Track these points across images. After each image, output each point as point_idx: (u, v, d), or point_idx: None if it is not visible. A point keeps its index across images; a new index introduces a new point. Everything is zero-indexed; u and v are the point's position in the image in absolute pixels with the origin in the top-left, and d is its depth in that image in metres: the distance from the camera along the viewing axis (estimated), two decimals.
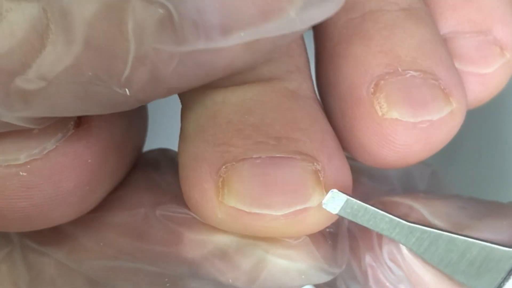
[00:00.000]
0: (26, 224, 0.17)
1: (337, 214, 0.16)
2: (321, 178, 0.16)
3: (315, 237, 0.17)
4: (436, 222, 0.17)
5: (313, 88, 0.18)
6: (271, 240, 0.17)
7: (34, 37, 0.13)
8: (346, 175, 0.16)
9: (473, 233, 0.17)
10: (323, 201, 0.15)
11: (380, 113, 0.17)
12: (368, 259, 0.18)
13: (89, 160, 0.16)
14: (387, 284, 0.18)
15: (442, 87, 0.17)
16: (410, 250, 0.17)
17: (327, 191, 0.16)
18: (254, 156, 0.15)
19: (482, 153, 0.21)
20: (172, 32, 0.13)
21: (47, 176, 0.15)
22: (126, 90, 0.14)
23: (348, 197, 0.16)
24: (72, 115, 0.15)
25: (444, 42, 0.18)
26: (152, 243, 0.17)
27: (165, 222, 0.17)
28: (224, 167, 0.15)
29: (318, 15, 0.13)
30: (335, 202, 0.16)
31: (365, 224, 0.16)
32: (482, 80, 0.19)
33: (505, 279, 0.17)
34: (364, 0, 0.17)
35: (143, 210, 0.18)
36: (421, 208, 0.18)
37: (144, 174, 0.19)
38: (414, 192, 0.18)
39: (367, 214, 0.16)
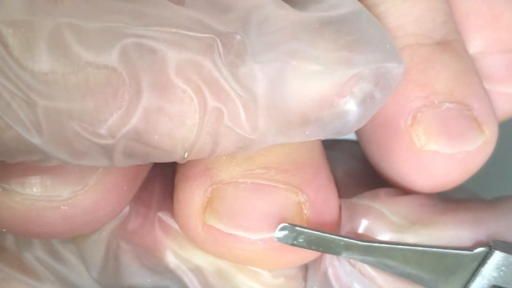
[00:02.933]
0: (55, 238, 0.18)
1: (291, 245, 0.16)
2: (304, 210, 0.17)
3: (291, 282, 0.18)
4: (395, 219, 0.18)
5: None
6: (249, 273, 0.18)
7: (109, 93, 0.13)
8: (331, 209, 0.17)
9: (437, 228, 0.18)
10: (274, 235, 0.16)
11: (418, 145, 0.17)
12: (329, 259, 0.19)
13: (125, 188, 0.17)
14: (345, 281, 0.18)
15: (476, 117, 0.18)
16: (372, 267, 0.18)
17: (308, 223, 0.17)
18: (240, 180, 0.16)
19: None
20: (246, 121, 0.14)
21: (87, 208, 0.17)
22: (186, 153, 0.14)
23: (299, 228, 0.16)
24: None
25: (476, 71, 0.18)
26: (140, 241, 0.19)
27: (159, 228, 0.19)
28: (210, 188, 0.17)
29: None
30: (287, 235, 0.16)
31: (321, 251, 0.17)
32: (510, 98, 0.20)
33: (470, 280, 0.17)
34: (401, 35, 0.18)
35: (142, 209, 0.19)
36: (381, 207, 0.18)
37: (159, 172, 0.20)
38: (374, 190, 0.19)
39: (322, 241, 0.16)
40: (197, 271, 0.18)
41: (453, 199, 0.19)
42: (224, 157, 0.17)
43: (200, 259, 0.18)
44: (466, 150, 0.18)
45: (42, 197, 0.16)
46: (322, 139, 0.17)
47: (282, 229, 0.16)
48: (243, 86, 0.14)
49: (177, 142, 0.14)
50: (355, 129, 0.15)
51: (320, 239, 0.16)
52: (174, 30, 0.14)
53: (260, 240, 0.16)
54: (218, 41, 0.14)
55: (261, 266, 0.18)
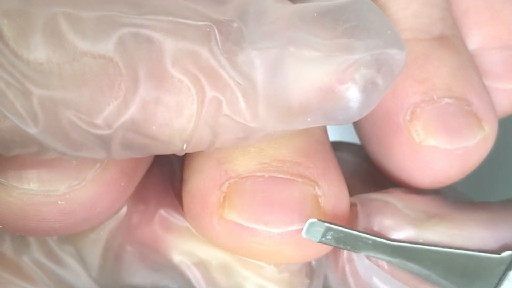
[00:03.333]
0: (52, 235, 0.18)
1: (319, 242, 0.16)
2: (321, 203, 0.17)
3: (296, 277, 0.18)
4: (411, 213, 0.18)
5: None
6: (253, 267, 0.18)
7: (106, 83, 0.13)
8: (344, 203, 0.17)
9: (455, 224, 0.17)
10: (302, 231, 0.16)
11: (417, 140, 0.17)
12: (347, 255, 0.18)
13: (123, 184, 0.17)
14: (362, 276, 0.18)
15: (475, 112, 0.18)
16: (399, 268, 0.17)
17: (325, 216, 0.16)
18: (257, 174, 0.16)
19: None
20: (245, 109, 0.14)
21: (84, 204, 0.16)
22: (184, 145, 0.14)
23: (328, 224, 0.16)
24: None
25: (475, 66, 0.18)
26: (140, 239, 0.18)
27: (160, 224, 0.19)
28: (227, 182, 0.16)
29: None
30: (315, 231, 0.16)
31: (348, 249, 0.16)
32: (508, 95, 0.20)
33: (497, 285, 0.17)
34: (399, 29, 0.18)
35: (141, 207, 0.19)
36: (396, 202, 0.18)
37: (158, 170, 0.20)
38: (388, 189, 0.19)
39: (349, 239, 0.16)
40: (200, 265, 0.18)
41: (468, 200, 0.19)
42: (236, 151, 0.17)
43: (204, 253, 0.18)
44: (465, 146, 0.18)
45: (39, 191, 0.16)
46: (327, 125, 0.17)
47: (312, 225, 0.16)
48: (242, 73, 0.14)
49: (175, 133, 0.14)
50: (359, 117, 0.15)
51: (348, 237, 0.16)
52: (170, 19, 0.14)
53: (279, 234, 0.16)
54: (215, 29, 0.14)
55: (272, 261, 0.18)
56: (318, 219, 0.16)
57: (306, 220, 0.16)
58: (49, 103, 0.13)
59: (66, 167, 0.16)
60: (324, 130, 0.18)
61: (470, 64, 0.18)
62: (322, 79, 0.14)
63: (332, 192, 0.17)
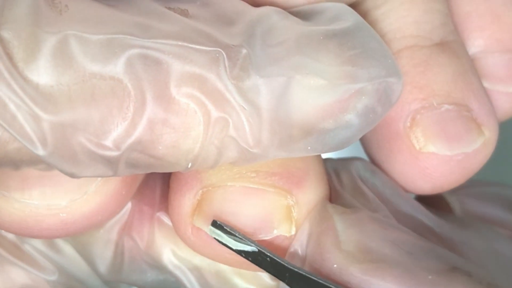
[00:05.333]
0: (54, 238, 0.19)
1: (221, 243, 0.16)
2: (293, 213, 0.17)
3: None
4: (349, 248, 0.16)
5: None
6: (246, 275, 0.19)
7: (115, 104, 0.14)
8: (322, 208, 0.17)
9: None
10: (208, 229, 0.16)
11: (417, 147, 0.18)
12: None
13: (124, 192, 0.17)
14: None
15: (475, 118, 0.18)
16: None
17: (297, 226, 0.17)
18: (229, 184, 0.17)
19: None
20: (250, 134, 0.15)
21: (86, 214, 0.17)
22: (190, 164, 0.14)
23: (226, 228, 0.16)
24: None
25: (475, 72, 0.18)
26: (139, 238, 0.19)
27: (158, 228, 0.19)
28: (200, 191, 0.17)
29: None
30: (218, 233, 0.16)
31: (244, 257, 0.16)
32: (510, 98, 0.20)
33: None
34: (399, 37, 0.18)
35: (145, 208, 0.19)
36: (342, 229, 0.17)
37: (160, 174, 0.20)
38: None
39: (237, 239, 0.16)
40: (196, 271, 0.19)
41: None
42: None
43: (199, 259, 0.19)
44: (465, 152, 0.18)
45: (41, 205, 0.16)
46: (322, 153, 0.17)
47: (214, 226, 0.16)
48: (247, 99, 0.14)
49: (182, 153, 0.15)
50: (352, 143, 0.16)
51: (237, 238, 0.16)
52: (180, 43, 0.14)
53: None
54: (224, 55, 0.14)
55: (247, 269, 0.18)
56: (220, 222, 0.16)
57: (271, 231, 0.16)
58: (58, 126, 0.14)
59: (68, 181, 0.16)
60: None
61: (470, 69, 0.19)
62: (325, 106, 0.15)
63: (307, 200, 0.17)
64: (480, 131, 0.18)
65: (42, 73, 0.13)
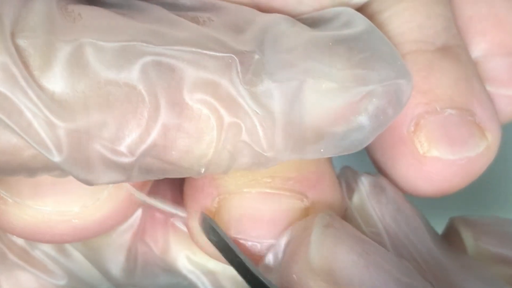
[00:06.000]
0: (64, 243, 0.19)
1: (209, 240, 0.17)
2: (310, 215, 0.17)
3: None
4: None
5: None
6: None
7: (129, 110, 0.14)
8: (336, 210, 0.18)
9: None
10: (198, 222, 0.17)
11: (421, 151, 0.18)
12: None
13: (134, 198, 0.18)
14: None
15: (478, 122, 0.18)
16: None
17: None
18: (245, 190, 0.17)
19: None
20: (263, 138, 0.15)
21: (97, 220, 0.17)
22: (203, 169, 0.15)
23: (212, 223, 0.16)
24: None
25: (478, 76, 0.19)
26: (153, 244, 0.19)
27: (173, 233, 0.19)
28: (217, 198, 0.17)
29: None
30: (206, 226, 0.17)
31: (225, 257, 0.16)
32: None
33: None
34: (403, 42, 0.18)
35: (157, 214, 0.20)
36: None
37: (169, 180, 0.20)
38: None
39: (222, 247, 0.16)
40: (211, 275, 0.19)
41: None
42: None
43: (214, 264, 0.19)
44: (468, 156, 0.18)
45: (53, 211, 0.16)
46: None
47: (204, 219, 0.17)
48: (260, 104, 0.15)
49: (195, 159, 0.15)
50: (365, 145, 0.16)
51: (222, 245, 0.16)
52: (193, 49, 0.14)
53: (266, 247, 0.17)
54: (237, 60, 0.14)
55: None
56: (207, 215, 0.16)
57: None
58: (73, 133, 0.14)
59: (80, 187, 0.16)
60: None
61: (473, 74, 0.19)
62: (337, 109, 0.15)
63: (323, 202, 0.17)
64: (483, 136, 0.18)
65: (58, 81, 0.14)
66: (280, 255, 0.17)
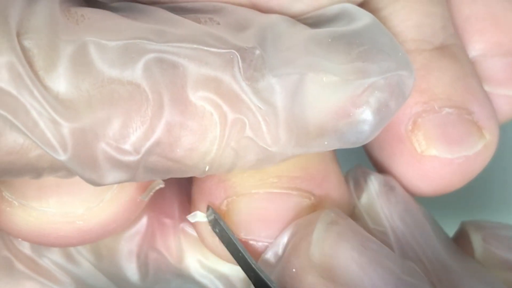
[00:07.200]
0: (69, 246, 0.19)
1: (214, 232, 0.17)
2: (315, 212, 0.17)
3: None
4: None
5: None
6: None
7: (133, 108, 0.14)
8: (344, 208, 0.18)
9: None
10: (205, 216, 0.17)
11: (419, 150, 0.18)
12: None
13: (139, 199, 0.18)
14: None
15: (476, 121, 0.18)
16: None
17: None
18: (253, 191, 0.17)
19: None
20: (267, 132, 0.15)
21: (102, 222, 0.17)
22: (207, 167, 0.15)
23: (217, 217, 0.17)
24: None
25: (476, 75, 0.19)
26: (164, 250, 0.19)
27: (184, 238, 0.19)
28: (225, 201, 0.17)
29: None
30: (211, 219, 0.17)
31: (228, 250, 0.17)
32: (510, 101, 0.20)
33: None
34: (401, 41, 0.18)
35: (167, 221, 0.20)
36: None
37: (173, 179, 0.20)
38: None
39: (224, 240, 0.17)
40: (224, 279, 0.19)
41: None
42: None
43: (227, 267, 0.19)
44: (466, 155, 0.18)
45: (58, 213, 0.16)
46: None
47: (209, 212, 0.17)
48: (263, 99, 0.15)
49: (199, 156, 0.15)
50: (370, 139, 0.16)
51: (224, 238, 0.17)
52: (195, 46, 0.14)
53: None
54: (238, 56, 0.15)
55: None
56: (212, 208, 0.17)
57: None
58: (78, 132, 0.14)
59: (85, 188, 0.16)
60: None
61: (471, 72, 0.19)
62: (338, 103, 0.15)
63: (330, 199, 0.18)
64: (481, 134, 0.18)
65: (62, 81, 0.14)
66: (281, 250, 0.17)
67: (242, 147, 0.15)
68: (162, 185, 0.18)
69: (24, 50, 0.13)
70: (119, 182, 0.15)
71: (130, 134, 0.14)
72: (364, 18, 0.16)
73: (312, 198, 0.17)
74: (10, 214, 0.17)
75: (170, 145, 0.14)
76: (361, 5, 0.18)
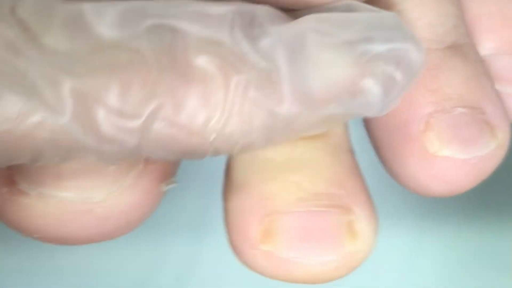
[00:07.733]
0: (89, 243, 0.18)
1: None
2: (356, 227, 0.17)
3: None
4: None
5: (349, 138, 0.19)
6: None
7: (133, 73, 0.14)
8: (376, 221, 0.18)
9: None
10: None
11: (431, 151, 0.18)
12: None
13: (157, 188, 0.17)
14: None
15: (488, 121, 0.18)
16: None
17: (358, 239, 0.17)
18: (294, 210, 0.17)
19: None
20: (271, 91, 0.15)
21: (121, 210, 0.17)
22: (213, 136, 0.15)
23: None
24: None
25: (488, 74, 0.19)
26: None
27: None
28: (267, 219, 0.17)
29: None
30: None
31: None
32: None
33: None
34: None
35: None
36: None
37: None
38: None
39: None
40: None
41: None
42: (275, 186, 0.17)
43: None
44: (479, 155, 0.18)
45: (76, 199, 0.16)
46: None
47: None
48: (265, 57, 0.15)
49: (204, 121, 0.15)
50: (380, 113, 0.16)
51: None
52: (194, 9, 0.14)
53: (320, 264, 0.17)
54: (238, 15, 0.14)
55: (320, 283, 0.18)
56: None
57: (341, 248, 0.17)
58: (78, 93, 0.14)
59: (103, 174, 0.16)
60: (351, 150, 0.19)
61: (483, 72, 0.19)
62: (342, 70, 0.15)
63: (364, 213, 0.18)
64: (493, 134, 0.18)
65: (60, 44, 0.14)
66: None
67: (248, 110, 0.15)
68: (175, 184, 0.17)
69: (18, 15, 0.13)
70: (122, 155, 0.15)
71: (131, 97, 0.14)
72: (371, 9, 0.16)
73: (350, 214, 0.17)
74: (28, 206, 0.16)
75: (173, 108, 0.14)
76: (372, 2, 0.18)
